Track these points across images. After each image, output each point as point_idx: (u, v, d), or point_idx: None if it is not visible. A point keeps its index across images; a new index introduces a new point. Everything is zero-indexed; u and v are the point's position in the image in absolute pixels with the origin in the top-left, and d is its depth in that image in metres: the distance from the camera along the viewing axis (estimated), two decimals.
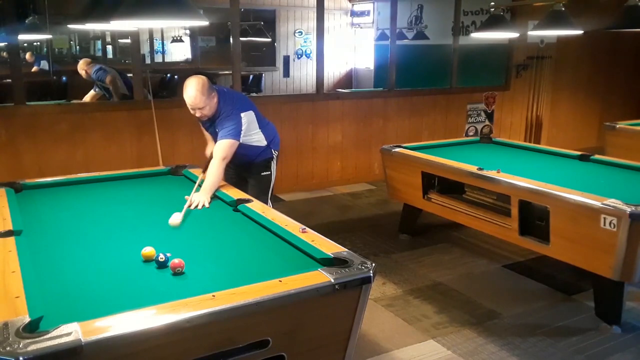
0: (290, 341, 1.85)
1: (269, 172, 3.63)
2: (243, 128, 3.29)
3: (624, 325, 3.18)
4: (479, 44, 6.86)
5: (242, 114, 3.30)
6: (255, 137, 3.47)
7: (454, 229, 4.75)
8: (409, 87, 6.90)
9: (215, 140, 3.37)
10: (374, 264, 1.96)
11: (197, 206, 2.85)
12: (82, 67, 5.73)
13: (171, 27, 9.34)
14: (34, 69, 7.65)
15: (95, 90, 5.70)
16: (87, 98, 5.70)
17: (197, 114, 3.23)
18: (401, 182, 4.47)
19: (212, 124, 3.38)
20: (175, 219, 2.58)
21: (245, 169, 3.61)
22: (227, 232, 2.52)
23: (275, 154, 3.67)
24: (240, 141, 3.27)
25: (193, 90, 3.11)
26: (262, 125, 3.55)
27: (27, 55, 7.87)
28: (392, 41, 6.63)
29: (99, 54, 10.08)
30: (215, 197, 2.98)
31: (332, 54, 9.67)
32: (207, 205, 2.89)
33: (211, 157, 3.24)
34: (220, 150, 3.19)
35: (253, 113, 3.43)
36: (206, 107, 3.18)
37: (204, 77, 3.21)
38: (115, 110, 5.08)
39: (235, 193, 2.96)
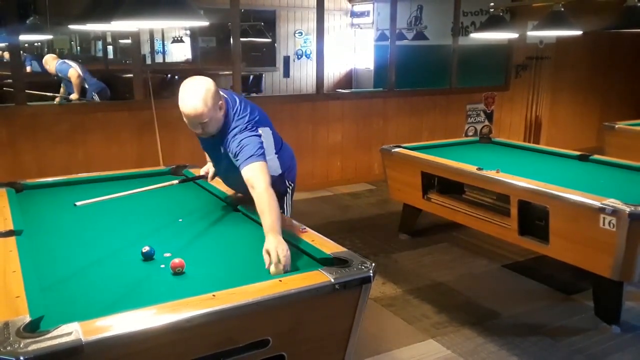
0: (290, 341, 1.86)
1: (282, 211, 2.71)
2: (265, 143, 2.49)
3: (623, 324, 3.19)
4: (478, 44, 6.86)
5: (260, 129, 2.52)
6: (269, 161, 2.59)
7: (454, 229, 4.75)
8: (408, 87, 6.91)
9: (216, 166, 2.77)
10: (373, 264, 1.97)
11: (280, 263, 1.98)
12: (47, 61, 5.92)
13: (172, 28, 9.35)
14: (27, 69, 7.68)
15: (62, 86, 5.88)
16: (61, 92, 5.84)
17: (198, 131, 2.46)
18: (401, 182, 4.47)
19: (215, 145, 2.59)
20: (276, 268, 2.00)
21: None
22: (227, 232, 2.52)
23: (290, 187, 2.93)
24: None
25: (193, 99, 2.34)
26: (278, 148, 2.77)
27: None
28: (391, 41, 6.64)
29: (100, 54, 10.09)
30: (215, 197, 2.98)
31: (332, 55, 9.67)
32: (287, 252, 2.03)
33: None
34: (256, 179, 2.32)
35: (269, 130, 2.65)
36: (211, 121, 2.41)
37: (208, 81, 2.43)
38: (115, 111, 5.09)
39: (235, 193, 2.96)
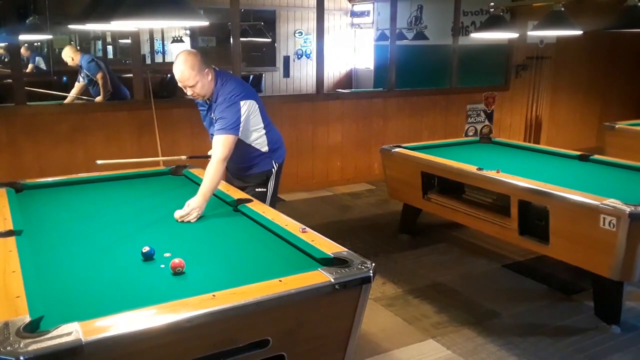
0: (290, 341, 1.86)
1: (265, 190, 3.22)
2: (242, 120, 2.94)
3: (624, 324, 3.19)
4: (478, 44, 6.86)
5: (242, 102, 2.95)
6: (254, 135, 3.12)
7: (454, 229, 4.75)
8: (408, 87, 6.91)
9: (209, 131, 3.16)
10: (373, 264, 1.97)
11: (189, 216, 2.61)
12: (69, 53, 5.62)
13: (171, 28, 9.35)
14: (30, 67, 7.65)
15: (80, 81, 5.65)
16: (75, 89, 5.68)
17: (189, 92, 2.96)
18: (401, 182, 4.47)
19: (208, 110, 3.09)
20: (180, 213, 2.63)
21: (238, 177, 3.30)
22: (227, 232, 2.52)
23: (275, 167, 3.27)
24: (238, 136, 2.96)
25: (181, 64, 2.86)
26: (266, 126, 3.19)
27: (22, 50, 7.85)
28: (392, 41, 6.64)
29: (99, 54, 10.09)
30: (215, 197, 2.98)
31: (332, 54, 9.67)
32: (199, 213, 2.64)
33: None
34: (217, 148, 2.87)
35: (256, 104, 3.05)
36: (197, 84, 2.89)
37: (195, 52, 2.97)
38: (115, 111, 5.09)
39: (235, 193, 2.97)
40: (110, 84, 5.61)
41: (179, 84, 2.95)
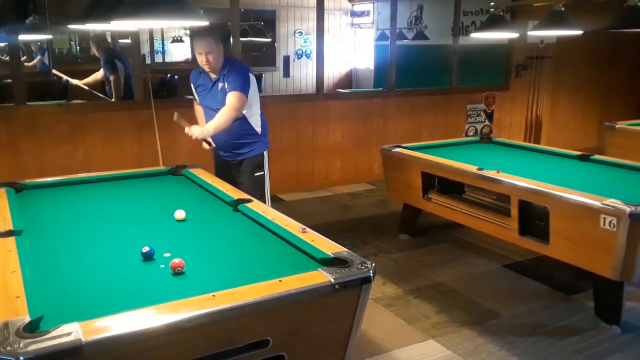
0: (290, 341, 1.86)
1: (262, 173, 3.61)
2: (250, 89, 3.38)
3: (624, 325, 3.18)
4: (478, 44, 6.86)
5: (250, 75, 3.44)
6: (253, 108, 3.52)
7: (454, 229, 4.75)
8: (409, 87, 6.90)
9: (208, 105, 3.52)
10: (374, 264, 1.97)
11: (197, 131, 3.20)
12: (94, 47, 5.92)
13: (171, 27, 9.34)
14: (38, 57, 7.68)
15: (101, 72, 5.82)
16: (92, 77, 5.81)
17: (204, 60, 3.34)
18: (401, 182, 4.47)
19: (214, 84, 3.44)
20: (180, 213, 2.62)
21: (236, 166, 3.60)
22: (227, 232, 2.52)
23: (266, 153, 3.65)
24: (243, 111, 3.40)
25: (206, 34, 3.32)
26: (260, 107, 3.62)
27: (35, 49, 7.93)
28: (392, 41, 6.64)
29: None
30: (215, 197, 2.98)
31: (332, 54, 9.67)
32: (204, 135, 3.23)
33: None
34: (231, 99, 3.29)
35: (255, 83, 3.50)
36: (214, 53, 3.33)
37: (215, 28, 3.46)
38: (115, 110, 5.09)
39: (235, 193, 2.97)
40: (123, 89, 5.61)
41: (197, 52, 3.37)
